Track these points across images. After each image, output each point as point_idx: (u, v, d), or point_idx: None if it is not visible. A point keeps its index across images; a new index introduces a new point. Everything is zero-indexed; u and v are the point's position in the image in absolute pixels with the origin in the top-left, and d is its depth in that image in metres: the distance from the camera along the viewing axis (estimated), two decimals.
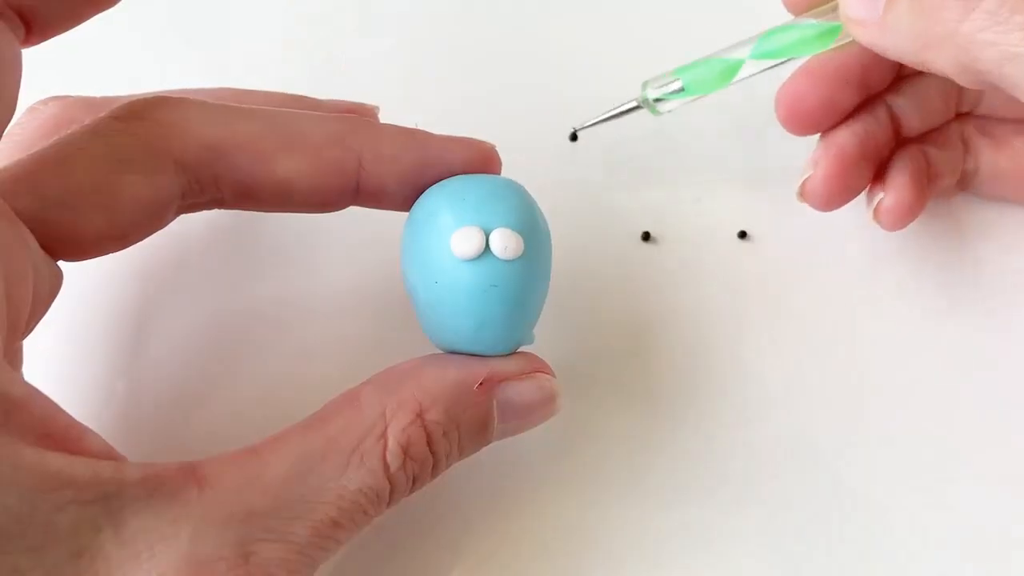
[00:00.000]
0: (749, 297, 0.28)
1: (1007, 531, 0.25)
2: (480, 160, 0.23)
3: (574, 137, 0.30)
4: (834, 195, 0.26)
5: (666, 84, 0.27)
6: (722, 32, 0.27)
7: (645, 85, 0.27)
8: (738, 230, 0.29)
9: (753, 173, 0.29)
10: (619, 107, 0.28)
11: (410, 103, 0.30)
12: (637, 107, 0.28)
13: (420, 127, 0.23)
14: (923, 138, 0.28)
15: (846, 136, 0.26)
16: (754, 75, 0.26)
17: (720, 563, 0.24)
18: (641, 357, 0.27)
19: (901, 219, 0.26)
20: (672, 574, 0.24)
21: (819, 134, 0.27)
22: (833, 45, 0.25)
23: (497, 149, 0.24)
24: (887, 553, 0.25)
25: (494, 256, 0.21)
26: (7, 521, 0.16)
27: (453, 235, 0.21)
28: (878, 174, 0.27)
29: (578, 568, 0.24)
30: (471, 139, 0.24)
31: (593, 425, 0.26)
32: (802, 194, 0.27)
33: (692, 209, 0.30)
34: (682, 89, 0.27)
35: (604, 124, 0.28)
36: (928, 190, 0.27)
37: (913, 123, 0.28)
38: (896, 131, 0.27)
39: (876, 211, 0.27)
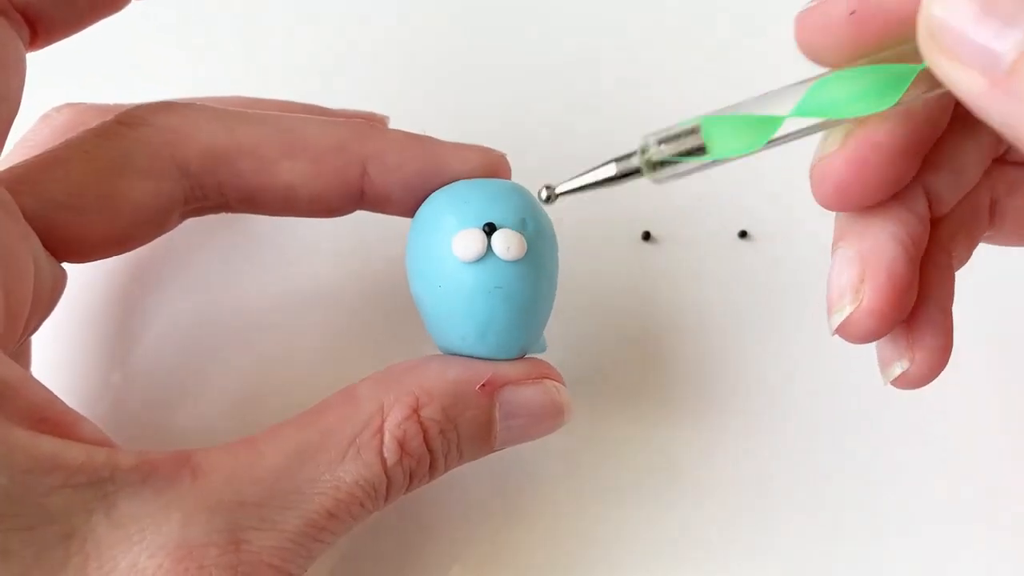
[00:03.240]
0: (749, 297, 0.29)
1: (1014, 537, 0.25)
2: (488, 168, 0.23)
3: (548, 199, 0.20)
4: (884, 325, 0.19)
5: (680, 140, 0.18)
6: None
7: (646, 143, 0.19)
8: (738, 230, 0.30)
9: (753, 173, 0.29)
10: (601, 170, 0.19)
11: (416, 109, 0.30)
12: (633, 172, 0.19)
13: (427, 133, 0.23)
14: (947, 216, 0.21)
15: (894, 252, 0.19)
16: (790, 137, 0.18)
17: (722, 565, 0.25)
18: (641, 357, 0.28)
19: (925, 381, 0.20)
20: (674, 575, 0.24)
21: (842, 238, 0.20)
22: (897, 103, 0.17)
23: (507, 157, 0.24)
24: (887, 556, 0.25)
25: (497, 257, 0.21)
26: None
27: (455, 237, 0.21)
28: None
29: (579, 569, 0.24)
30: (479, 146, 0.23)
31: (593, 425, 0.26)
32: (841, 330, 0.20)
33: (692, 209, 0.30)
34: (701, 149, 0.18)
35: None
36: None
37: (946, 202, 0.20)
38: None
39: (896, 378, 0.20)
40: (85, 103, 0.26)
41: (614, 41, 0.34)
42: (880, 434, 0.26)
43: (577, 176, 0.19)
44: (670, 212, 0.30)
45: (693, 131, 0.18)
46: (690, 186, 0.30)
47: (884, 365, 0.20)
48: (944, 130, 0.20)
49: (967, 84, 0.15)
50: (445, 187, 0.23)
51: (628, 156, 0.19)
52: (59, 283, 0.21)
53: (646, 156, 0.19)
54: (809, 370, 0.27)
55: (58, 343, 0.26)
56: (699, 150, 0.18)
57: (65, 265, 0.22)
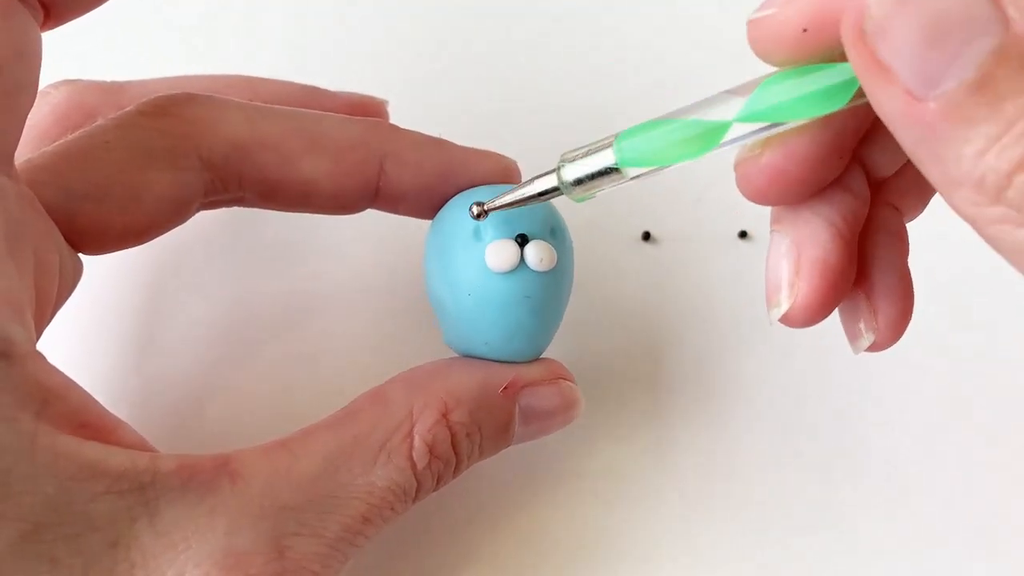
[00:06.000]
0: (749, 297, 0.29)
1: (1003, 538, 0.25)
2: (501, 173, 0.23)
3: (478, 216, 0.20)
4: (822, 315, 0.19)
5: (595, 156, 0.18)
6: None
7: (562, 160, 0.19)
8: (738, 230, 0.30)
9: None
10: (528, 187, 0.20)
11: (420, 111, 0.29)
12: (555, 190, 0.19)
13: (443, 137, 0.24)
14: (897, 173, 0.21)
15: (827, 241, 0.19)
16: (738, 141, 0.17)
17: (723, 564, 0.25)
18: (640, 357, 0.28)
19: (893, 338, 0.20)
20: (682, 573, 0.25)
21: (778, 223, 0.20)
22: (849, 103, 0.16)
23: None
24: (884, 556, 0.25)
25: (528, 268, 0.21)
26: (45, 509, 0.16)
27: (488, 248, 0.21)
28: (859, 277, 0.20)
29: (586, 567, 0.25)
30: (492, 152, 0.24)
31: (592, 425, 0.26)
32: (782, 321, 0.19)
33: (692, 209, 0.30)
34: (616, 169, 0.18)
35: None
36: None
37: (889, 167, 0.20)
38: (871, 186, 0.20)
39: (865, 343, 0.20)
40: (83, 80, 0.25)
41: (622, 43, 0.34)
42: (882, 434, 0.27)
43: (506, 193, 0.20)
44: (670, 212, 0.30)
45: (608, 147, 0.18)
46: (690, 186, 0.31)
47: (852, 338, 0.20)
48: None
49: (887, 99, 0.14)
50: (465, 193, 0.23)
51: (549, 173, 0.19)
52: (76, 275, 0.21)
53: (561, 176, 0.19)
54: (810, 370, 0.27)
55: (73, 349, 0.26)
56: (613, 170, 0.18)
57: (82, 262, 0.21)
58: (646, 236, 0.30)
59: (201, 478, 0.18)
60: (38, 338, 0.20)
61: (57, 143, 0.20)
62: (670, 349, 0.28)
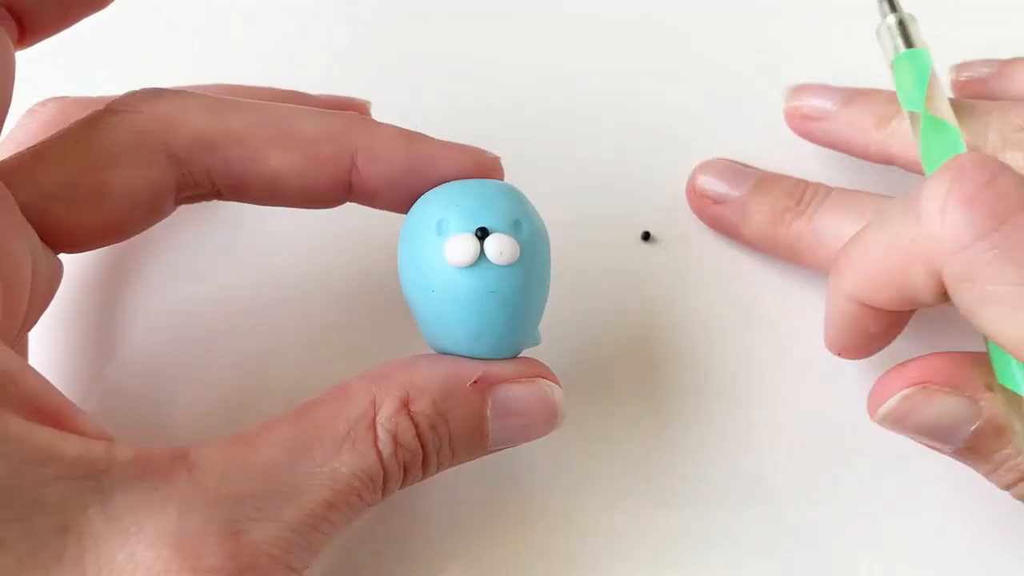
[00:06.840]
0: (749, 297, 0.28)
1: (1002, 546, 0.25)
2: (479, 170, 0.23)
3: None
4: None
5: None
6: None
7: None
8: None
9: None
10: None
11: (413, 109, 0.29)
12: None
13: (420, 131, 0.23)
14: None
15: None
16: None
17: (721, 565, 0.24)
18: (641, 357, 0.27)
19: None
20: (682, 574, 0.24)
21: None
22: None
23: (501, 160, 0.23)
24: (884, 556, 0.25)
25: (489, 262, 0.20)
26: None
27: (447, 243, 0.20)
28: None
29: (586, 567, 0.24)
30: (471, 147, 0.23)
31: (590, 425, 0.26)
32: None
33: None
34: None
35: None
36: None
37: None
38: None
39: None
40: (70, 97, 0.25)
41: (622, 42, 0.34)
42: (881, 434, 0.26)
43: None
44: (670, 212, 0.30)
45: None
46: None
47: None
48: None
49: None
50: (436, 188, 0.22)
51: None
52: (56, 274, 0.21)
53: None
54: (809, 371, 0.27)
55: (48, 335, 0.26)
56: None
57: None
58: (646, 236, 0.29)
59: (157, 468, 0.18)
60: (22, 334, 0.20)
61: (33, 145, 0.21)
62: (670, 349, 0.27)
